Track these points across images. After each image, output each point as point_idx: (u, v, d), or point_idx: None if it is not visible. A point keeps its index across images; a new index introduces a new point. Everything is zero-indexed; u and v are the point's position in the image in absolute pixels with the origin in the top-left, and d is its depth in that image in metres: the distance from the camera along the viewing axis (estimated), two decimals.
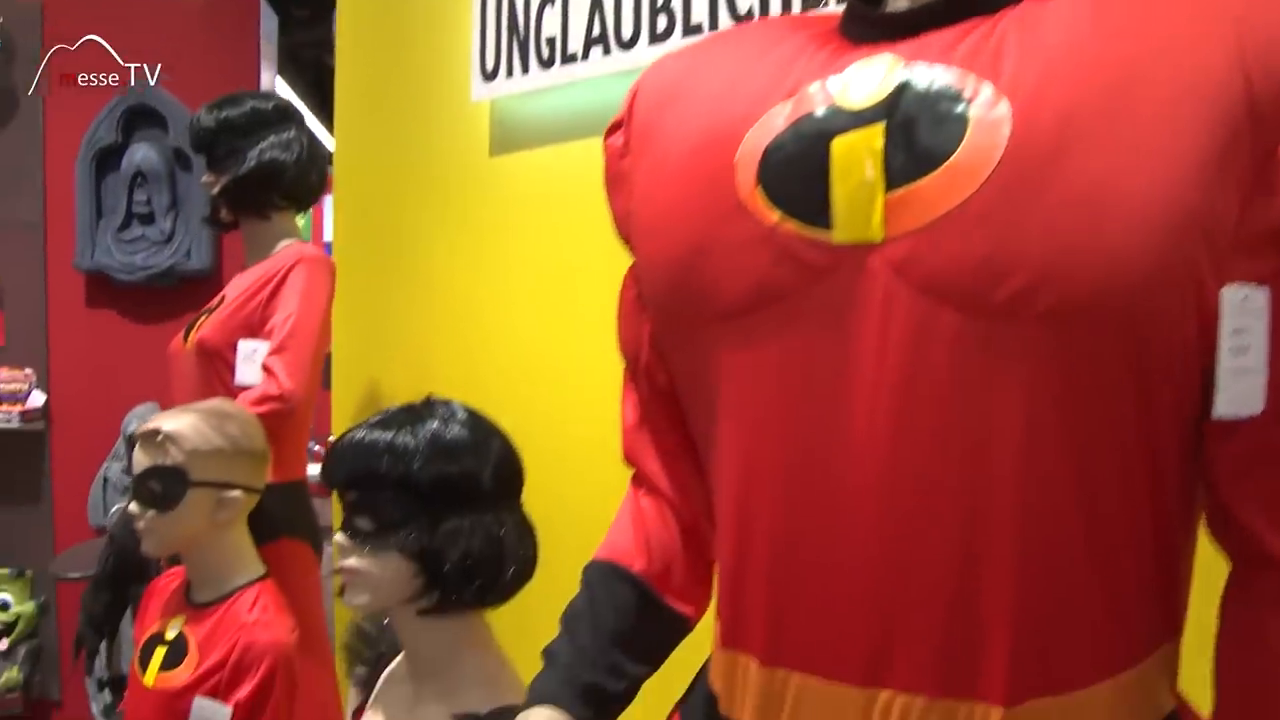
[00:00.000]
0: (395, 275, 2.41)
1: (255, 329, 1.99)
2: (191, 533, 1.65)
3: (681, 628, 0.98)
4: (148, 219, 3.56)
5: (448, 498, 1.23)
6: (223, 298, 2.10)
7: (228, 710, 1.60)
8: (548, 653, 0.96)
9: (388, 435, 1.23)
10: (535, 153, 2.03)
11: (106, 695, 3.30)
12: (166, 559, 1.85)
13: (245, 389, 1.94)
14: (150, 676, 1.66)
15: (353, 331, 2.51)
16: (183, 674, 1.63)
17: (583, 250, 1.87)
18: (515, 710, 1.22)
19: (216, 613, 1.67)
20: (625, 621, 0.94)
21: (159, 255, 3.54)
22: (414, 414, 1.27)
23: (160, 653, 1.67)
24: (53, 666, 3.74)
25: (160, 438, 1.63)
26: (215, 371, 2.01)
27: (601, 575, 0.97)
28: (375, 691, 1.37)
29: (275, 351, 1.94)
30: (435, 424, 1.24)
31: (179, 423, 1.64)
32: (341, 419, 2.63)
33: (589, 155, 1.94)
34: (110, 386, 3.62)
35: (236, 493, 1.67)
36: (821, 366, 0.73)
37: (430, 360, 2.27)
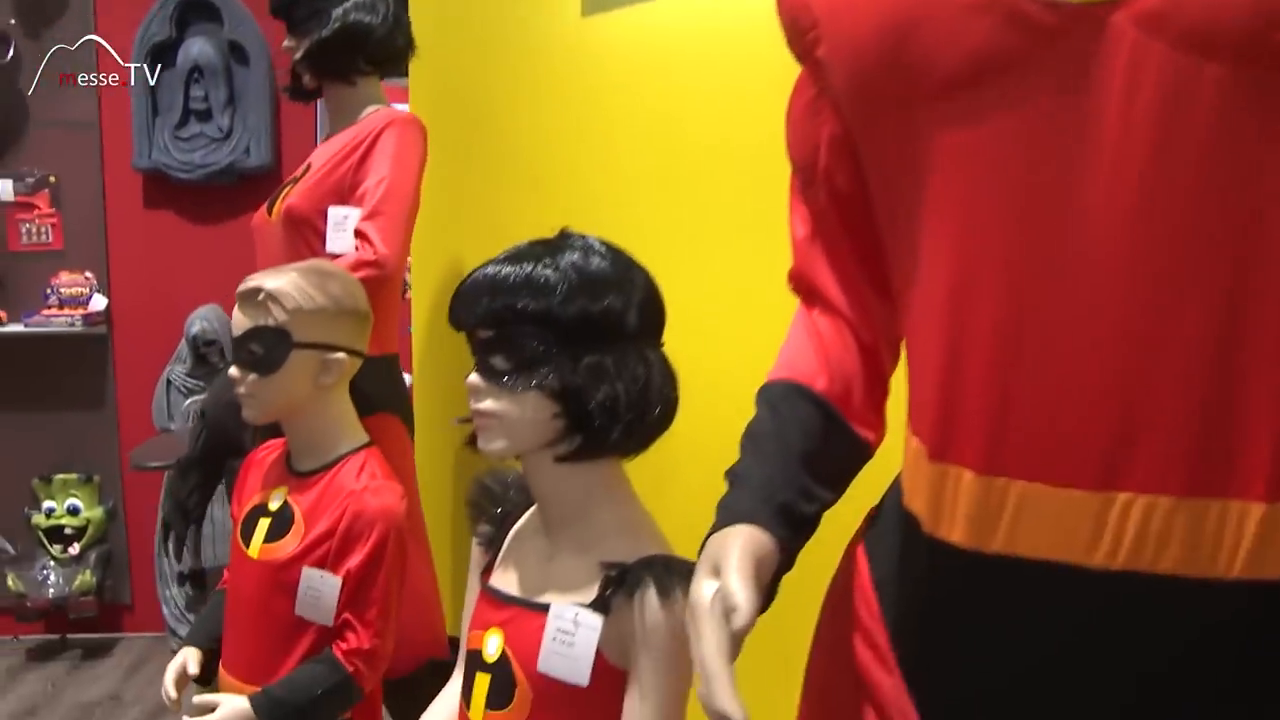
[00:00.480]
0: (477, 150, 2.30)
1: (345, 195, 1.90)
2: (294, 398, 1.57)
3: (863, 453, 0.91)
4: (205, 115, 3.47)
5: (590, 334, 1.14)
6: (309, 166, 2.00)
7: (337, 580, 1.53)
8: (733, 474, 0.88)
9: (525, 269, 1.13)
10: (633, 10, 1.90)
11: (183, 591, 3.30)
12: (259, 434, 1.79)
13: (336, 258, 1.86)
14: (254, 548, 1.60)
15: (432, 212, 2.41)
16: (289, 544, 1.57)
17: (687, 116, 1.75)
18: (664, 560, 1.14)
19: (321, 481, 1.60)
20: (812, 443, 0.87)
21: (218, 152, 3.46)
22: (550, 247, 1.17)
23: (264, 524, 1.61)
24: (123, 571, 3.75)
25: (261, 297, 1.54)
26: (304, 240, 1.93)
27: (784, 395, 0.90)
28: (504, 549, 1.30)
29: (369, 216, 1.85)
30: (575, 256, 1.15)
31: (281, 281, 1.56)
32: (421, 303, 2.54)
33: (692, 11, 1.84)
34: (171, 288, 3.57)
35: (340, 355, 1.59)
36: (1053, 140, 0.67)
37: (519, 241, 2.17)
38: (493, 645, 1.22)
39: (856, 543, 0.92)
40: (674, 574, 1.12)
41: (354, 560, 1.53)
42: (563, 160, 2.04)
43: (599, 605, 1.14)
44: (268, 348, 1.54)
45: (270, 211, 2.01)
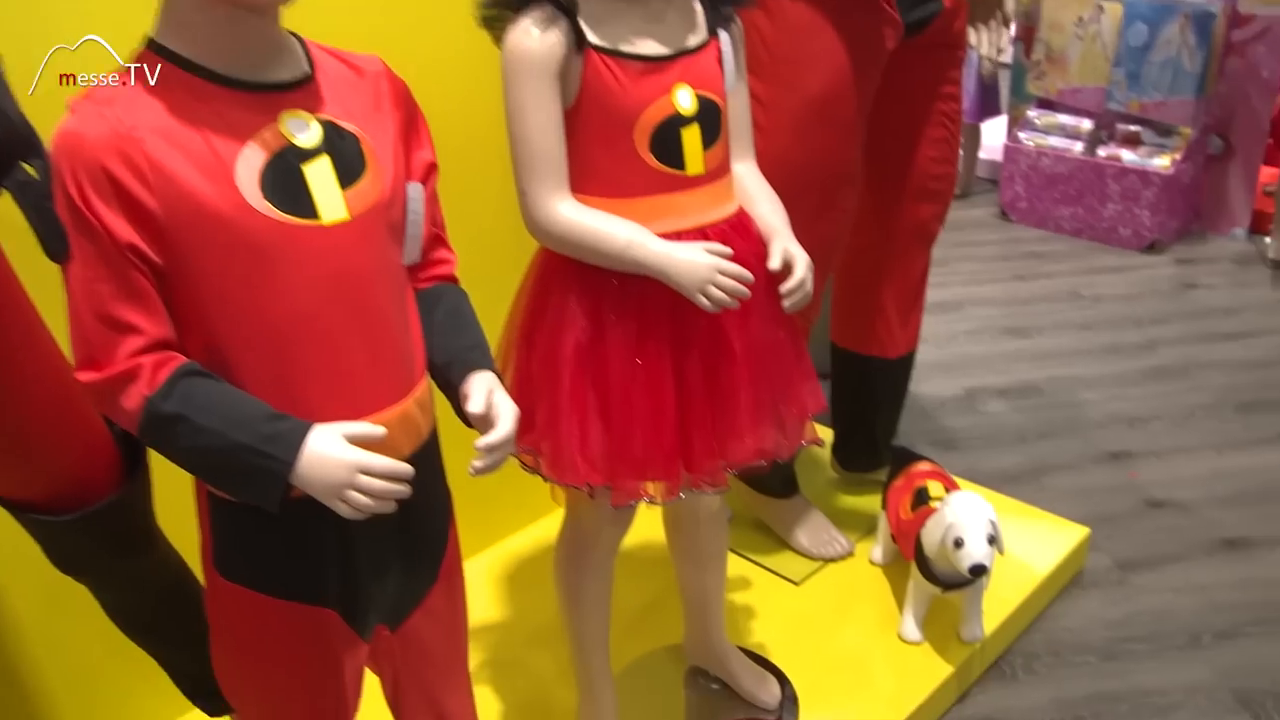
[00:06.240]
0: None
1: None
2: None
3: None
4: None
5: None
6: None
7: (420, 186, 1.12)
8: None
9: None
10: None
11: None
12: None
13: None
14: (332, 208, 0.98)
15: None
16: (378, 174, 1.04)
17: None
18: None
19: (323, 83, 1.03)
20: None
21: None
22: None
23: (317, 169, 0.98)
24: None
25: None
26: None
27: None
28: (589, 60, 1.28)
29: None
30: None
31: None
32: None
33: None
34: None
35: None
36: None
37: None
38: (685, 98, 1.32)
39: None
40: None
41: (423, 152, 1.13)
42: None
43: (717, 32, 1.38)
44: None
45: None
